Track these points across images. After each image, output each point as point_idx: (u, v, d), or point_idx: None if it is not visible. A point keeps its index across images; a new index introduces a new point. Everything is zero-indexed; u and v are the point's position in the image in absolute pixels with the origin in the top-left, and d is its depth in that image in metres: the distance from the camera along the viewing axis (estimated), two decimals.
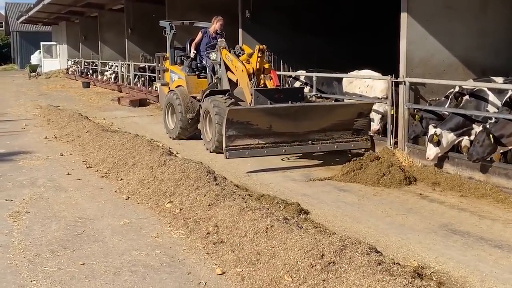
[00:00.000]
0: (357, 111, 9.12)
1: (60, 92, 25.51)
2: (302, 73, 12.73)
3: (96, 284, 4.65)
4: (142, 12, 25.80)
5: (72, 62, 36.85)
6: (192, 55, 11.76)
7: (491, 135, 7.16)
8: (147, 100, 19.60)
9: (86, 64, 33.28)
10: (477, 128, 8.09)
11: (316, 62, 15.41)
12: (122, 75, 25.47)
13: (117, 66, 26.46)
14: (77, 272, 4.90)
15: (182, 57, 12.22)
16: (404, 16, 8.99)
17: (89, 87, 27.31)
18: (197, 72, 11.80)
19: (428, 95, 9.29)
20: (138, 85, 23.14)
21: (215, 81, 10.90)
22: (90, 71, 31.88)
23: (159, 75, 13.60)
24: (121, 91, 23.73)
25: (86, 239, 5.75)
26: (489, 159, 7.54)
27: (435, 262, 5.10)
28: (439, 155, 8.10)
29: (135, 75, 23.85)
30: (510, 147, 7.51)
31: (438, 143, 7.99)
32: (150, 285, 4.63)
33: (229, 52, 10.51)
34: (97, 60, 31.39)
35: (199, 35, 11.75)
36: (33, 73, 37.73)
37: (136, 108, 18.49)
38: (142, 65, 23.62)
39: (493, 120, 7.75)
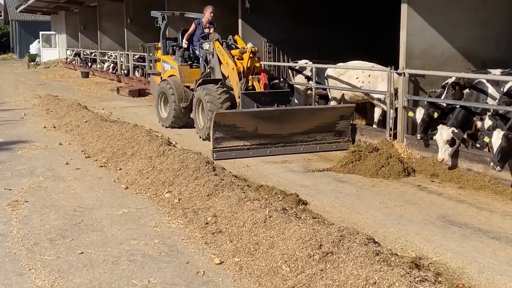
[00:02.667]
0: (339, 114, 9.63)
1: (59, 82, 25.44)
2: (300, 64, 12.66)
3: (95, 273, 4.66)
4: (141, 2, 25.67)
5: (71, 53, 36.70)
6: (184, 45, 11.90)
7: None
8: (146, 90, 19.54)
9: (85, 54, 33.17)
10: (478, 121, 8.09)
11: (316, 52, 15.36)
12: (121, 65, 25.39)
13: (116, 56, 26.37)
14: (75, 261, 4.91)
15: (174, 47, 12.36)
16: (404, 7, 8.97)
17: (88, 77, 27.23)
18: (189, 62, 11.98)
19: (427, 87, 9.28)
20: (137, 75, 23.07)
21: (208, 70, 11.06)
22: (90, 61, 31.77)
23: (150, 65, 13.68)
24: (120, 81, 23.66)
25: (84, 229, 5.76)
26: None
27: (433, 253, 5.11)
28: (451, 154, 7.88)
29: (134, 65, 23.77)
30: None
31: (453, 143, 7.80)
32: (148, 274, 4.64)
33: (222, 44, 10.62)
34: (96, 50, 31.28)
35: (193, 26, 11.89)
36: (32, 63, 37.59)
37: (135, 98, 18.46)
38: (139, 55, 23.58)
39: (491, 111, 7.74)
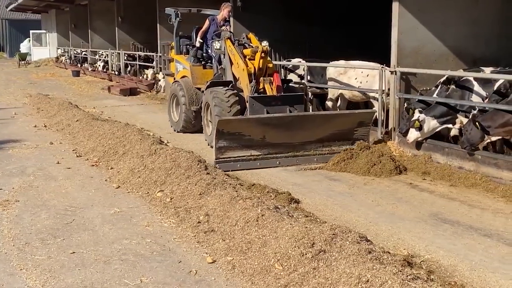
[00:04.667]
0: (357, 120, 8.75)
1: (50, 81, 25.31)
2: (293, 63, 12.66)
3: (86, 272, 4.64)
4: (133, 0, 25.61)
5: (62, 51, 36.52)
6: (197, 44, 11.14)
7: (477, 123, 7.25)
8: (138, 89, 19.50)
9: (76, 52, 33.02)
10: (462, 118, 8.17)
11: (308, 51, 15.35)
12: (112, 63, 25.31)
13: (107, 54, 26.28)
14: (67, 260, 4.89)
15: (188, 46, 11.60)
16: (395, 6, 8.99)
17: (79, 76, 27.11)
18: (203, 62, 11.20)
19: (419, 85, 9.31)
20: (129, 74, 23.01)
21: (220, 71, 10.37)
22: (80, 60, 31.64)
23: (165, 65, 13.07)
24: (111, 80, 23.58)
25: (76, 228, 5.73)
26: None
27: (425, 251, 5.13)
28: (419, 139, 8.31)
29: (126, 63, 23.71)
30: (498, 137, 7.56)
31: (420, 128, 8.18)
32: (140, 273, 4.62)
33: (233, 43, 9.89)
34: (87, 48, 31.16)
35: (206, 22, 11.10)
36: (23, 62, 37.33)
37: (127, 97, 18.38)
38: (131, 53, 23.56)
39: (477, 109, 7.83)
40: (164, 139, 10.20)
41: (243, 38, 10.21)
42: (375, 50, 11.79)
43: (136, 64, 22.40)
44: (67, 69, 31.63)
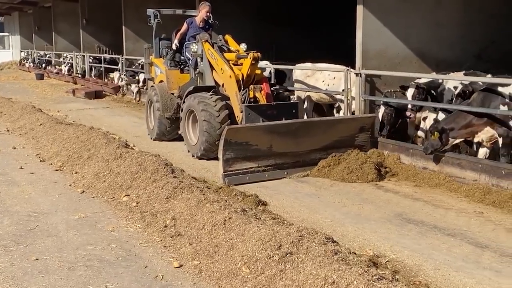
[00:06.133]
0: (358, 126, 8.50)
1: (13, 84, 24.81)
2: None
3: (50, 279, 4.55)
4: (98, 2, 25.34)
5: (26, 54, 35.87)
6: (174, 46, 10.52)
7: (436, 134, 7.37)
8: (103, 92, 19.27)
9: (39, 55, 32.47)
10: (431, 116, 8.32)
11: (275, 54, 15.42)
12: (77, 66, 24.97)
13: (72, 57, 25.92)
14: (30, 267, 4.79)
15: (167, 50, 10.92)
16: (360, 8, 9.07)
17: (43, 79, 26.67)
18: (181, 66, 10.61)
19: (383, 87, 9.42)
20: (94, 77, 22.73)
21: (197, 76, 9.74)
22: (44, 63, 31.12)
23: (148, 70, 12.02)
24: (76, 83, 23.26)
25: (39, 234, 5.62)
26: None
27: (390, 251, 5.19)
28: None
29: (91, 66, 23.41)
30: (461, 139, 7.70)
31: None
32: (105, 279, 4.55)
33: (212, 46, 9.36)
34: (51, 51, 30.67)
35: (185, 25, 10.45)
36: None
37: (92, 100, 18.16)
38: (97, 56, 23.28)
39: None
40: (130, 142, 10.10)
41: (220, 40, 9.80)
42: (343, 51, 11.90)
43: (102, 66, 22.15)
44: (30, 72, 31.07)
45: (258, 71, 9.00)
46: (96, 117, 14.24)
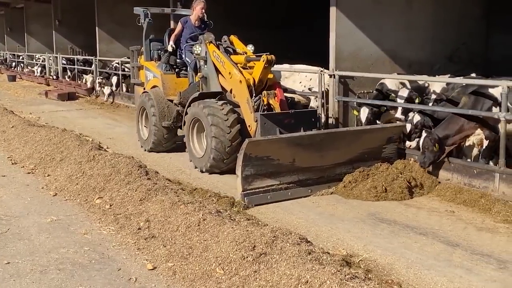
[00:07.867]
0: (386, 136, 7.76)
1: None
2: None
3: (22, 283, 4.50)
4: (71, 3, 25.08)
5: None
6: (169, 48, 9.60)
7: (437, 145, 7.16)
8: (76, 94, 19.07)
9: (12, 56, 32.00)
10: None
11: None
12: (50, 68, 24.66)
13: (44, 58, 25.59)
14: (1, 271, 4.72)
15: (160, 52, 10.07)
16: (333, 10, 9.14)
17: (15, 81, 26.25)
18: (176, 70, 9.74)
19: (357, 88, 9.50)
20: (67, 79, 22.48)
21: (200, 81, 8.85)
22: (17, 64, 30.69)
23: (134, 74, 11.25)
24: (49, 85, 22.96)
25: (11, 238, 5.55)
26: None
27: (363, 250, 5.24)
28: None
29: (64, 68, 23.15)
30: (455, 145, 7.52)
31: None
32: (78, 283, 4.51)
33: (218, 48, 8.65)
34: (24, 52, 30.25)
35: (179, 25, 9.64)
36: None
37: (65, 102, 17.95)
38: (70, 57, 23.03)
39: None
40: (104, 144, 10.02)
41: (225, 41, 9.02)
42: (321, 53, 11.95)
43: (75, 68, 21.92)
44: (2, 73, 30.59)
45: (270, 76, 8.20)
46: (69, 119, 14.09)
